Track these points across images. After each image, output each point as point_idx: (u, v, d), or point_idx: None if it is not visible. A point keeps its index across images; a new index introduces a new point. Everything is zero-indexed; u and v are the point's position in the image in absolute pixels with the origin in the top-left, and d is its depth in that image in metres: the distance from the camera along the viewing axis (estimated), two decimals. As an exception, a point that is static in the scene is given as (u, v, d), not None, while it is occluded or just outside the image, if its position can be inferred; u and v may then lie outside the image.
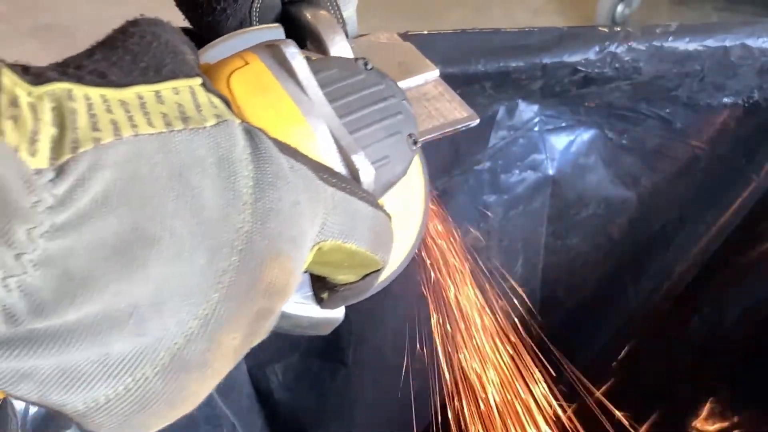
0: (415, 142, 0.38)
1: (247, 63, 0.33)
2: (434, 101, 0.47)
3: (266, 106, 0.32)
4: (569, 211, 0.74)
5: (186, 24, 0.55)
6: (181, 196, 0.24)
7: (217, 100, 0.27)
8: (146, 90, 0.26)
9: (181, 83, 0.27)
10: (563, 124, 0.68)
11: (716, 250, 0.74)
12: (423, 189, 0.43)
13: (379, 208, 0.32)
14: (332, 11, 0.49)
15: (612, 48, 0.62)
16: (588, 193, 0.72)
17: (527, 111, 0.67)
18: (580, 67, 0.62)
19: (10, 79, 0.23)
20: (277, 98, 0.33)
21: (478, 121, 0.47)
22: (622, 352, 0.81)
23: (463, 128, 0.46)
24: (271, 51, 0.34)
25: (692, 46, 0.63)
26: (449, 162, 0.68)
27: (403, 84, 0.48)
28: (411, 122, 0.38)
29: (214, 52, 0.41)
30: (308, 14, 0.48)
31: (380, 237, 0.32)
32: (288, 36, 0.50)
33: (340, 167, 0.33)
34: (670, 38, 0.62)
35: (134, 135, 0.24)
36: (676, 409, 0.79)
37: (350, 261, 0.32)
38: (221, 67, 0.33)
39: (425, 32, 0.61)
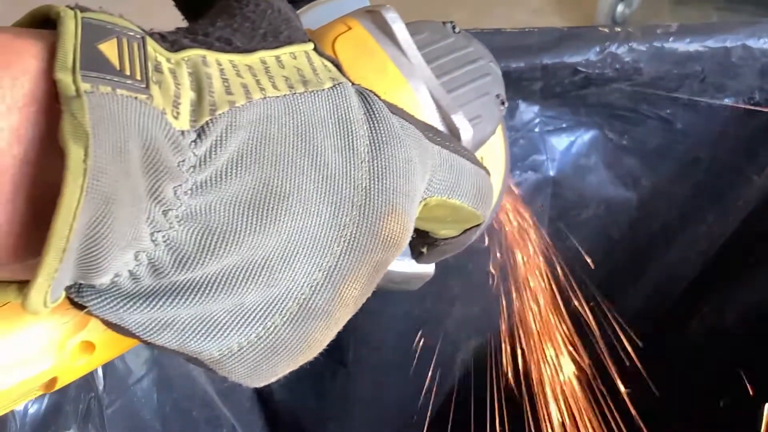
0: (503, 102, 0.39)
1: (350, 28, 0.35)
2: None
3: (370, 69, 0.34)
4: (570, 211, 0.74)
5: (183, 25, 0.55)
6: (307, 154, 0.26)
7: (329, 64, 0.29)
8: (268, 55, 0.27)
9: (297, 48, 0.28)
10: (564, 125, 0.68)
11: (717, 251, 0.74)
12: (505, 150, 0.44)
13: (480, 164, 0.33)
14: None
15: (612, 48, 0.62)
16: (588, 193, 0.72)
17: (527, 112, 0.67)
18: (580, 68, 0.62)
19: (152, 46, 0.24)
20: (380, 61, 0.34)
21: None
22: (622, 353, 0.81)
23: None
24: (372, 16, 0.35)
25: (693, 47, 0.63)
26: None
27: None
28: (499, 83, 0.39)
29: (306, 18, 0.42)
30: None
31: (481, 192, 0.33)
32: None
33: (440, 126, 0.35)
34: (671, 39, 0.62)
35: (263, 98, 0.25)
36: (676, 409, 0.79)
37: (454, 216, 0.33)
38: (326, 32, 0.35)
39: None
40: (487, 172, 0.34)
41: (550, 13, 1.88)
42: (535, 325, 0.75)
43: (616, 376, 0.82)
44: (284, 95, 0.26)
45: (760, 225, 0.71)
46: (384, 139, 0.28)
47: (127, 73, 0.22)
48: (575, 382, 0.84)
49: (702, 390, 0.77)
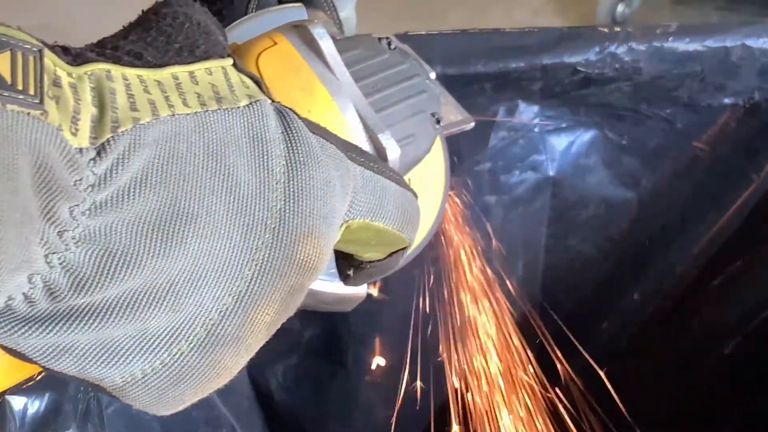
0: (438, 121, 0.38)
1: (275, 43, 0.34)
2: None
3: (295, 85, 0.33)
4: (569, 211, 0.73)
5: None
6: (218, 174, 0.25)
7: (248, 80, 0.28)
8: (181, 70, 0.26)
9: (214, 64, 0.27)
10: (563, 125, 0.68)
11: (717, 251, 0.74)
12: (444, 168, 0.44)
13: (406, 186, 0.33)
14: (328, 12, 0.49)
15: (612, 48, 0.62)
16: (588, 193, 0.72)
17: (527, 112, 0.67)
18: (580, 68, 0.62)
19: (51, 59, 0.23)
20: (306, 78, 0.33)
21: (473, 124, 0.47)
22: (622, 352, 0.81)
23: (458, 131, 0.47)
24: (299, 31, 0.34)
25: (692, 47, 0.62)
26: (450, 163, 0.68)
27: None
28: (434, 101, 0.38)
29: (238, 32, 0.41)
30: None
31: (407, 215, 0.32)
32: None
33: (366, 146, 0.34)
34: (671, 38, 0.62)
35: (171, 115, 0.24)
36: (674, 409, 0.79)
37: (378, 239, 0.32)
38: (250, 47, 0.34)
39: (424, 32, 0.61)
40: (414, 194, 0.33)
41: (549, 12, 1.88)
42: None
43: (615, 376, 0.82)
44: (195, 112, 0.25)
45: (760, 225, 0.71)
46: (301, 159, 0.27)
47: (20, 87, 0.21)
48: (574, 383, 0.84)
49: (702, 390, 0.77)
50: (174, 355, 0.25)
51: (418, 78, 0.38)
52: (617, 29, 0.63)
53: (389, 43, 0.38)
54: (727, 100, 0.66)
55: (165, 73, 0.26)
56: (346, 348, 0.75)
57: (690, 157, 0.70)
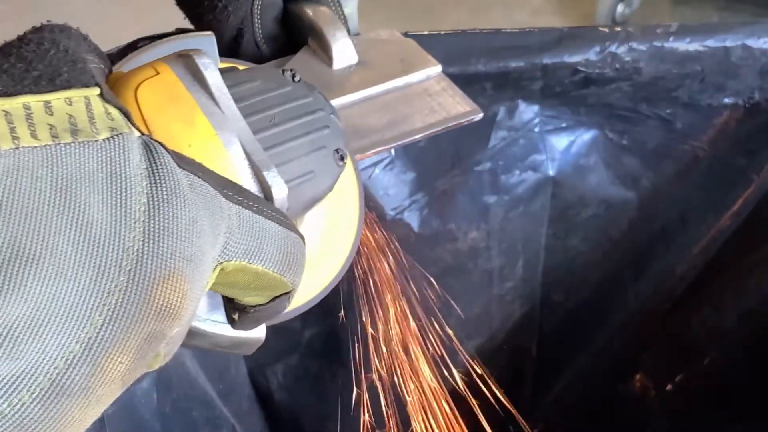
0: (342, 158, 0.37)
1: (158, 73, 0.32)
2: (437, 96, 0.47)
3: (175, 118, 0.31)
4: (570, 211, 0.74)
5: (185, 24, 0.55)
6: (66, 212, 0.23)
7: (114, 112, 0.26)
8: (35, 100, 0.25)
9: (76, 93, 0.26)
10: (563, 125, 0.68)
11: (717, 251, 0.74)
12: (357, 204, 0.42)
13: (291, 227, 0.31)
14: (333, 8, 0.49)
15: (612, 48, 0.62)
16: (588, 193, 0.72)
17: (527, 111, 0.67)
18: (580, 68, 0.62)
19: None
20: (188, 110, 0.32)
21: (481, 115, 0.46)
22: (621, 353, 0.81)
23: (467, 122, 0.46)
24: (184, 61, 0.33)
25: (693, 47, 0.63)
26: (449, 162, 0.68)
27: (405, 79, 0.47)
28: (338, 137, 0.37)
29: (142, 58, 0.40)
30: (309, 11, 0.48)
31: (290, 258, 0.30)
32: (291, 33, 0.50)
33: (251, 184, 0.32)
34: (671, 39, 0.62)
35: (14, 148, 0.23)
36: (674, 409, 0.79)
37: (257, 282, 0.30)
38: (131, 77, 0.32)
39: (425, 32, 0.61)
40: (300, 236, 0.32)
41: (549, 13, 1.88)
42: None
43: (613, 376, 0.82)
44: (45, 145, 0.24)
45: (760, 225, 0.71)
46: (165, 197, 0.25)
47: None
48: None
49: (702, 390, 0.77)
50: (14, 405, 0.23)
51: (322, 113, 0.37)
52: (618, 29, 0.63)
53: (293, 76, 0.37)
54: (727, 100, 0.66)
55: (15, 103, 0.24)
56: (347, 348, 0.75)
57: (690, 157, 0.70)
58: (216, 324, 0.33)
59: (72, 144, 0.24)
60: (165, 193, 0.25)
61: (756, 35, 0.63)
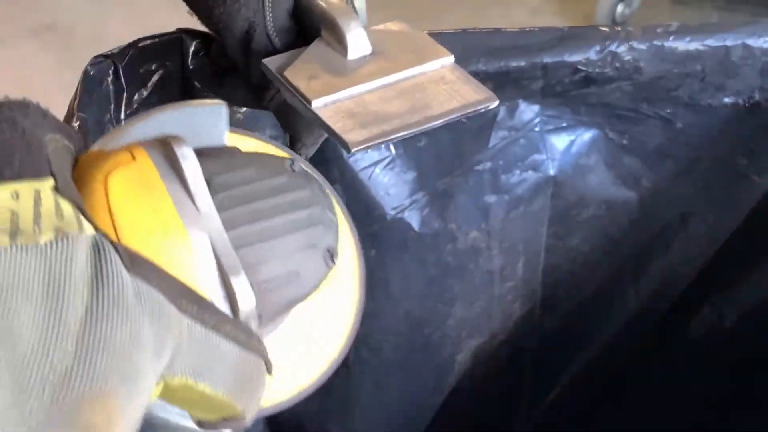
0: (332, 257, 0.34)
1: (134, 158, 0.30)
2: (453, 84, 0.47)
3: (143, 210, 0.29)
4: (570, 211, 0.73)
5: (185, 24, 0.55)
6: None
7: (66, 207, 0.24)
8: None
9: (25, 186, 0.24)
10: (564, 125, 0.68)
11: (717, 251, 0.74)
12: (358, 286, 0.40)
13: (252, 348, 0.29)
14: (345, 0, 0.49)
15: (613, 48, 0.62)
16: (589, 193, 0.72)
17: (528, 111, 0.67)
18: (580, 67, 0.62)
19: None
20: (158, 202, 0.29)
21: (497, 102, 0.46)
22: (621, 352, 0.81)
23: (483, 109, 0.46)
24: (164, 148, 0.31)
25: (693, 46, 0.62)
26: (449, 162, 0.68)
27: (420, 68, 0.47)
28: (331, 233, 0.35)
29: (137, 130, 0.37)
30: (322, 2, 0.48)
31: (244, 382, 0.28)
32: (302, 26, 0.50)
33: (217, 289, 0.30)
34: (671, 38, 0.62)
35: None
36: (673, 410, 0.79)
37: (203, 403, 0.28)
38: (106, 160, 0.30)
39: (425, 31, 0.61)
40: (263, 358, 0.29)
41: (548, 13, 1.89)
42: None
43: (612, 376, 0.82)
44: None
45: (760, 225, 0.71)
46: (105, 309, 0.23)
47: None
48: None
49: (702, 390, 0.77)
50: None
51: (315, 207, 0.34)
52: (618, 29, 0.63)
53: (292, 164, 0.35)
54: (727, 100, 0.66)
55: None
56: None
57: (690, 157, 0.70)
58: (185, 418, 0.31)
59: (9, 248, 0.22)
60: (106, 304, 0.23)
61: (756, 35, 0.63)
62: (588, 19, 1.84)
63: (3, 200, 0.23)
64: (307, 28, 0.49)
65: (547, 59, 0.61)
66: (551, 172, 0.70)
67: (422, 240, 0.70)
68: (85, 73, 0.53)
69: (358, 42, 0.47)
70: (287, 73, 0.46)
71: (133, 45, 0.54)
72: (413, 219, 0.69)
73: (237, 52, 0.49)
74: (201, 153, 0.32)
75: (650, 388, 0.81)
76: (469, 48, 0.61)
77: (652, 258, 0.76)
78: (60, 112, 0.52)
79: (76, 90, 0.52)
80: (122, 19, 1.69)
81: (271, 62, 0.47)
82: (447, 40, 0.61)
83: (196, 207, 0.30)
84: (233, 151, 0.35)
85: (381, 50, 0.48)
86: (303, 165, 0.35)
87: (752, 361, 0.74)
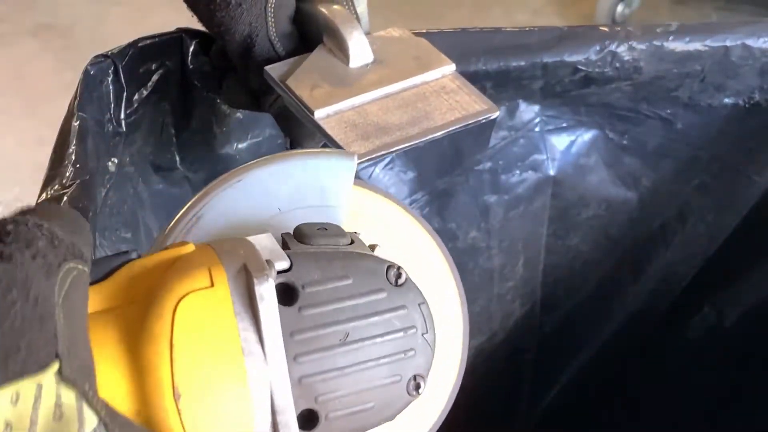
0: (418, 386, 0.31)
1: (212, 285, 0.28)
2: (454, 94, 0.47)
3: (207, 354, 0.27)
4: (570, 211, 0.73)
5: (185, 24, 0.55)
6: None
7: (69, 398, 0.22)
8: None
9: (27, 384, 0.21)
10: (564, 125, 0.68)
11: (716, 251, 0.74)
12: (458, 370, 0.38)
13: None
14: (346, 6, 0.49)
15: (612, 47, 0.62)
16: (589, 193, 0.72)
17: (528, 111, 0.67)
18: (580, 66, 0.62)
19: None
20: (225, 347, 0.27)
21: (498, 113, 0.46)
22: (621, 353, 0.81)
23: (484, 120, 0.46)
24: (246, 278, 0.28)
25: (693, 46, 0.62)
26: (449, 162, 0.68)
27: (421, 77, 0.47)
28: (423, 359, 0.31)
29: (257, 178, 0.35)
30: (324, 9, 0.47)
31: None
32: (304, 32, 0.50)
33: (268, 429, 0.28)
34: (671, 38, 0.62)
35: None
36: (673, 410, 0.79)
37: None
38: (182, 280, 0.28)
39: (425, 31, 0.61)
40: None
41: (549, 13, 1.88)
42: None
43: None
44: None
45: (759, 225, 0.71)
46: None
47: None
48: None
49: (701, 389, 0.77)
50: None
51: (413, 331, 0.31)
52: (618, 28, 0.63)
53: (397, 276, 0.31)
54: (727, 100, 0.66)
55: None
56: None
57: (690, 157, 0.70)
58: None
59: None
60: None
61: (756, 35, 0.63)
62: (588, 19, 1.84)
63: (1, 408, 0.21)
64: (309, 35, 0.49)
65: (547, 59, 0.61)
66: (551, 171, 0.71)
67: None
68: (85, 72, 0.53)
69: (359, 50, 0.47)
70: (290, 82, 0.46)
71: (133, 45, 0.54)
72: (413, 219, 0.69)
73: (238, 55, 0.49)
74: (301, 238, 0.30)
75: (650, 388, 0.81)
76: (469, 47, 0.61)
77: (651, 257, 0.76)
78: (60, 113, 0.52)
79: (76, 90, 0.52)
80: (122, 19, 1.69)
81: (273, 70, 0.48)
82: (447, 39, 0.61)
83: (264, 354, 0.28)
84: (332, 255, 0.31)
85: (382, 58, 0.48)
86: (405, 273, 0.31)
87: (752, 360, 0.74)
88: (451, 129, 0.45)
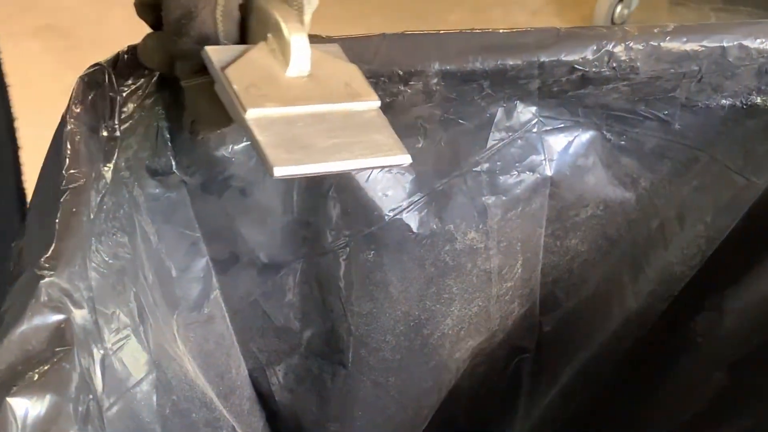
0: None
1: None
2: (374, 133, 0.47)
3: None
4: (568, 212, 0.74)
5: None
6: None
7: None
8: None
9: None
10: (561, 126, 0.68)
11: (715, 251, 0.74)
12: None
13: None
14: (296, 11, 0.49)
15: (609, 47, 0.62)
16: (587, 194, 0.72)
17: (525, 113, 0.67)
18: (577, 66, 0.62)
19: None
20: None
21: (410, 161, 0.46)
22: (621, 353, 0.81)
23: (393, 167, 0.46)
24: None
25: (690, 46, 0.63)
26: (447, 164, 0.68)
27: (349, 106, 0.47)
28: None
29: None
30: (276, 11, 0.47)
31: None
32: (245, 24, 0.49)
33: None
34: (668, 38, 0.62)
35: None
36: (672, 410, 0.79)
37: None
38: None
39: (424, 31, 0.61)
40: None
41: (548, 14, 1.89)
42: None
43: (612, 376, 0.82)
44: None
45: (759, 225, 0.71)
46: None
47: None
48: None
49: (701, 390, 0.77)
50: None
51: None
52: (615, 28, 0.63)
53: None
54: (724, 101, 0.66)
55: None
56: (346, 348, 0.75)
57: (688, 157, 0.70)
58: None
59: None
60: None
61: (753, 35, 0.63)
62: (587, 20, 1.84)
63: None
64: (252, 28, 0.49)
65: (544, 58, 0.61)
66: (549, 172, 0.71)
67: (420, 241, 0.71)
68: (79, 81, 0.53)
69: (301, 61, 0.47)
70: (229, 72, 0.46)
71: (127, 51, 0.55)
72: (411, 220, 0.69)
73: (174, 20, 0.48)
74: None
75: (649, 388, 0.81)
76: (467, 46, 0.61)
77: (650, 258, 0.76)
78: (60, 113, 0.52)
79: (70, 98, 0.52)
80: (122, 20, 1.68)
81: (214, 53, 0.47)
82: (446, 39, 0.61)
83: None
84: None
85: (317, 74, 0.48)
86: None
87: (752, 360, 0.74)
88: (362, 168, 0.45)
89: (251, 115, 0.45)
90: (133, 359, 0.55)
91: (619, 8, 1.73)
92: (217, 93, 0.47)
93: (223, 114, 0.48)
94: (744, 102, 0.66)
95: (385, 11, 1.85)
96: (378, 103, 0.49)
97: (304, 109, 0.46)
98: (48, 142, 0.52)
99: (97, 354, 0.48)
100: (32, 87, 1.66)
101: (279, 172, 0.42)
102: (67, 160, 0.49)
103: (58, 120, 0.52)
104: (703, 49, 0.62)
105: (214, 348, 0.69)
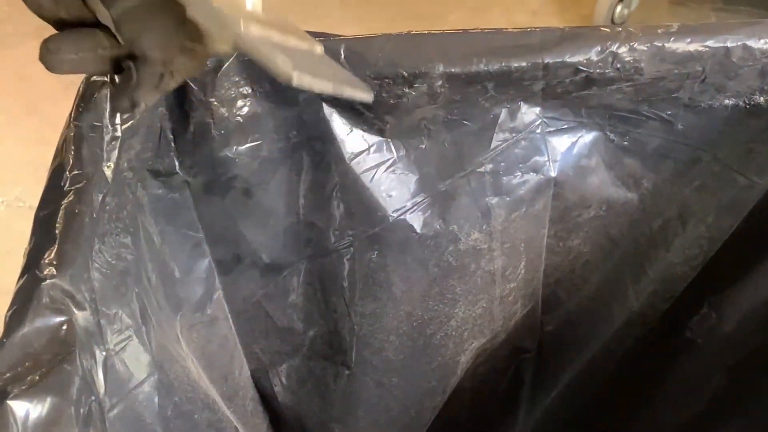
0: None
1: None
2: (334, 68, 0.49)
3: None
4: (571, 212, 0.74)
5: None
6: None
7: None
8: None
9: None
10: (565, 126, 0.68)
11: (717, 251, 0.74)
12: None
13: None
14: None
15: (613, 48, 0.62)
16: (590, 194, 0.72)
17: (529, 113, 0.67)
18: (581, 67, 0.62)
19: None
20: None
21: (372, 97, 0.48)
22: (622, 353, 0.81)
23: (351, 98, 0.47)
24: None
25: (693, 47, 0.62)
26: (451, 165, 0.68)
27: (307, 45, 0.47)
28: None
29: None
30: None
31: None
32: None
33: None
34: (672, 39, 0.62)
35: None
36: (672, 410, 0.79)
37: None
38: None
39: (425, 32, 0.61)
40: None
41: (548, 14, 1.89)
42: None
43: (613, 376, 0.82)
44: None
45: (759, 226, 0.71)
46: None
47: None
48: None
49: (701, 390, 0.77)
50: None
51: None
52: (619, 29, 0.63)
53: None
54: (727, 101, 0.66)
55: None
56: (350, 349, 0.75)
57: (691, 158, 0.70)
58: None
59: None
60: None
61: (756, 36, 0.63)
62: (587, 20, 1.84)
63: None
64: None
65: (548, 59, 0.61)
66: (552, 173, 0.70)
67: (424, 241, 0.71)
68: (83, 82, 0.53)
69: None
70: None
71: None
72: (415, 221, 0.69)
73: None
74: None
75: (649, 388, 0.81)
76: (470, 48, 0.61)
77: (652, 258, 0.76)
78: (62, 113, 0.52)
79: (74, 100, 0.52)
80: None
81: None
82: (448, 40, 0.61)
83: None
84: None
85: (270, 22, 0.47)
86: None
87: (752, 360, 0.74)
88: (352, 97, 0.47)
89: (253, 32, 0.41)
90: (135, 360, 0.55)
91: (619, 8, 1.73)
92: (190, 17, 0.40)
93: (185, 40, 0.41)
94: (747, 102, 0.66)
95: (386, 10, 1.85)
96: (320, 49, 0.49)
97: (281, 38, 0.45)
98: (48, 140, 0.52)
99: (99, 355, 0.48)
100: (33, 86, 1.65)
101: (298, 79, 0.39)
102: (70, 161, 0.49)
103: (58, 118, 0.52)
104: (707, 49, 0.62)
105: (217, 349, 0.69)
